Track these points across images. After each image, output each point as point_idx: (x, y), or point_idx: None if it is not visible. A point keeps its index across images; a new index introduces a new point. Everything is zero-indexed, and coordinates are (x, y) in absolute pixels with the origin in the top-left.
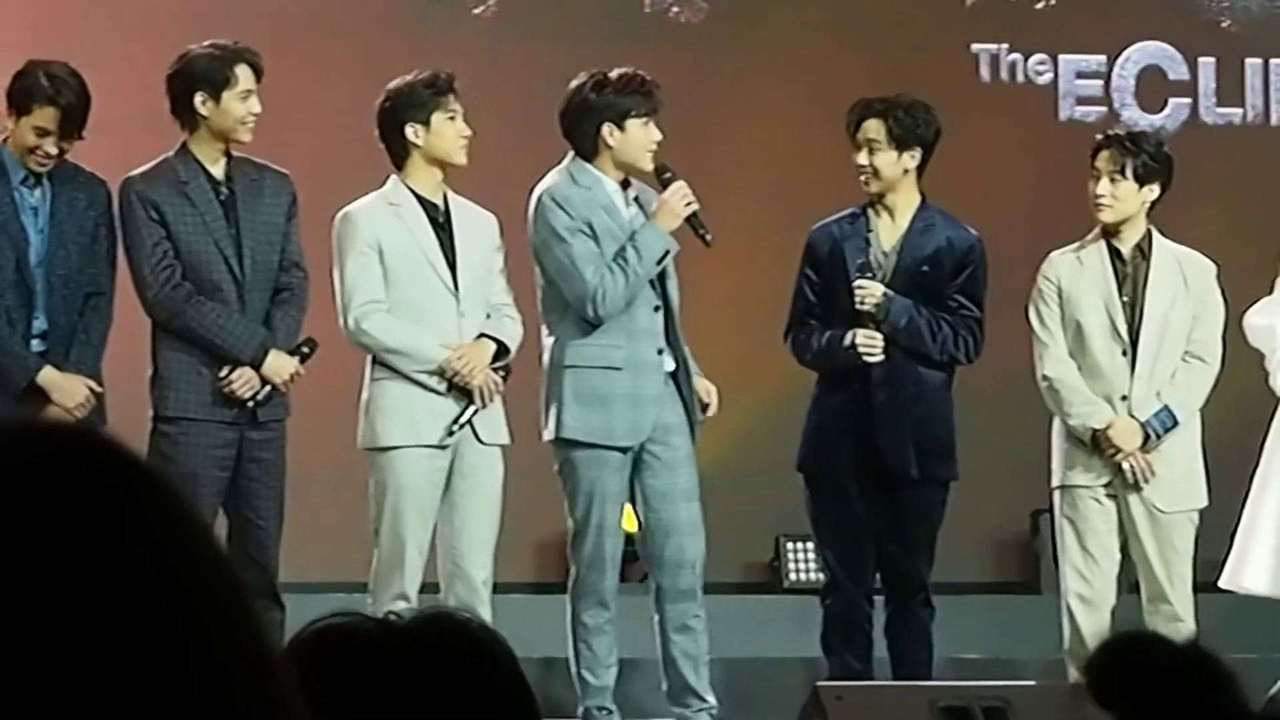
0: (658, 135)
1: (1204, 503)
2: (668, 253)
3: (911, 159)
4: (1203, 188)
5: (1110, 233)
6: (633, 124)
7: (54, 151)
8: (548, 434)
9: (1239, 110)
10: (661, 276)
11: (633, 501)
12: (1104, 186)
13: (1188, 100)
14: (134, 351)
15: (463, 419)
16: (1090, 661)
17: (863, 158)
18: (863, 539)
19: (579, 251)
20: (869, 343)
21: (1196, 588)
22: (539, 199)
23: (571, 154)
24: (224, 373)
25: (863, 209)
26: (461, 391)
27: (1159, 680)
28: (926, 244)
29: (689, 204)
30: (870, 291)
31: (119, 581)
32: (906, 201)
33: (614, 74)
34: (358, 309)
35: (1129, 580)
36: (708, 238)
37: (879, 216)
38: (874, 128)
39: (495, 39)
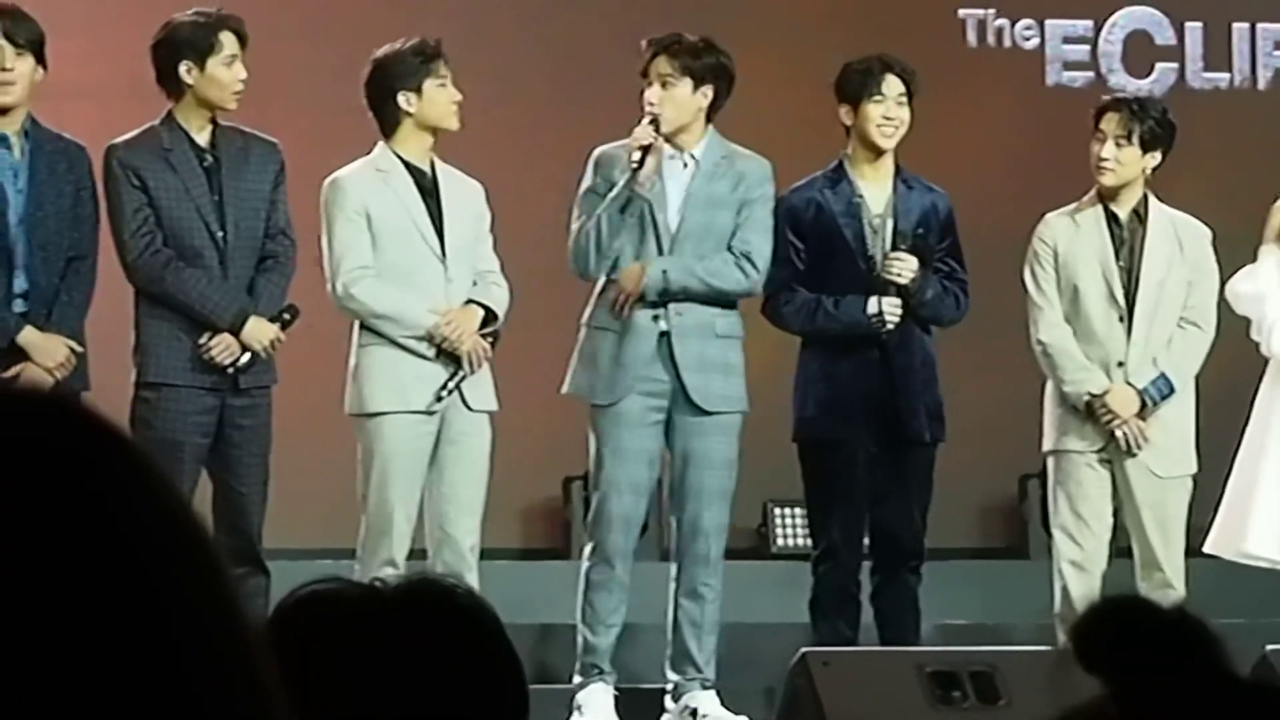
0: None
1: (1195, 468)
2: (630, 200)
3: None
4: (1189, 153)
5: (1107, 197)
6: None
7: (11, 65)
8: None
9: (1226, 75)
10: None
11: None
12: (1109, 150)
13: (1175, 65)
14: (120, 318)
15: (451, 385)
16: (1076, 626)
17: (892, 110)
18: (862, 507)
19: (578, 209)
20: (895, 310)
21: (1185, 553)
22: (591, 157)
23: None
24: (204, 339)
25: (839, 168)
26: (449, 357)
27: (1146, 645)
28: (914, 206)
29: (638, 144)
30: (908, 265)
31: (91, 549)
32: (887, 163)
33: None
34: (346, 274)
35: (1118, 546)
36: (655, 139)
37: (863, 179)
38: (898, 83)
39: (483, 5)
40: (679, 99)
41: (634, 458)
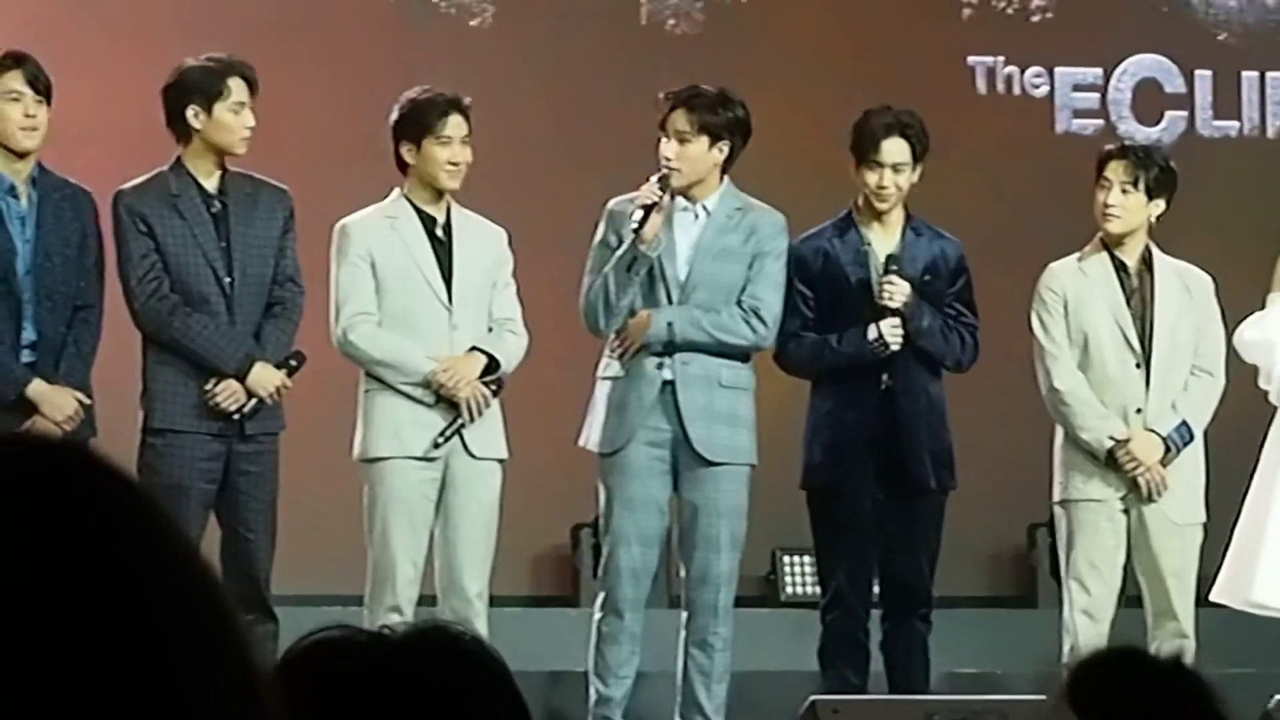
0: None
1: (1205, 516)
2: (635, 259)
3: (918, 174)
4: (1198, 201)
5: (1112, 244)
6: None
7: (35, 112)
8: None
9: (1235, 123)
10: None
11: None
12: (1115, 197)
13: (1184, 113)
14: (128, 363)
15: (449, 432)
16: (1072, 674)
17: (887, 178)
18: (870, 554)
19: (590, 264)
20: (895, 331)
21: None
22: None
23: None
24: (209, 385)
25: (847, 218)
26: (450, 404)
27: (1141, 695)
28: (922, 253)
29: (646, 199)
30: (900, 288)
31: (102, 597)
32: (898, 214)
33: None
34: (346, 320)
35: (1127, 595)
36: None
37: (869, 228)
38: (900, 149)
39: (493, 50)
40: (694, 155)
41: (642, 507)
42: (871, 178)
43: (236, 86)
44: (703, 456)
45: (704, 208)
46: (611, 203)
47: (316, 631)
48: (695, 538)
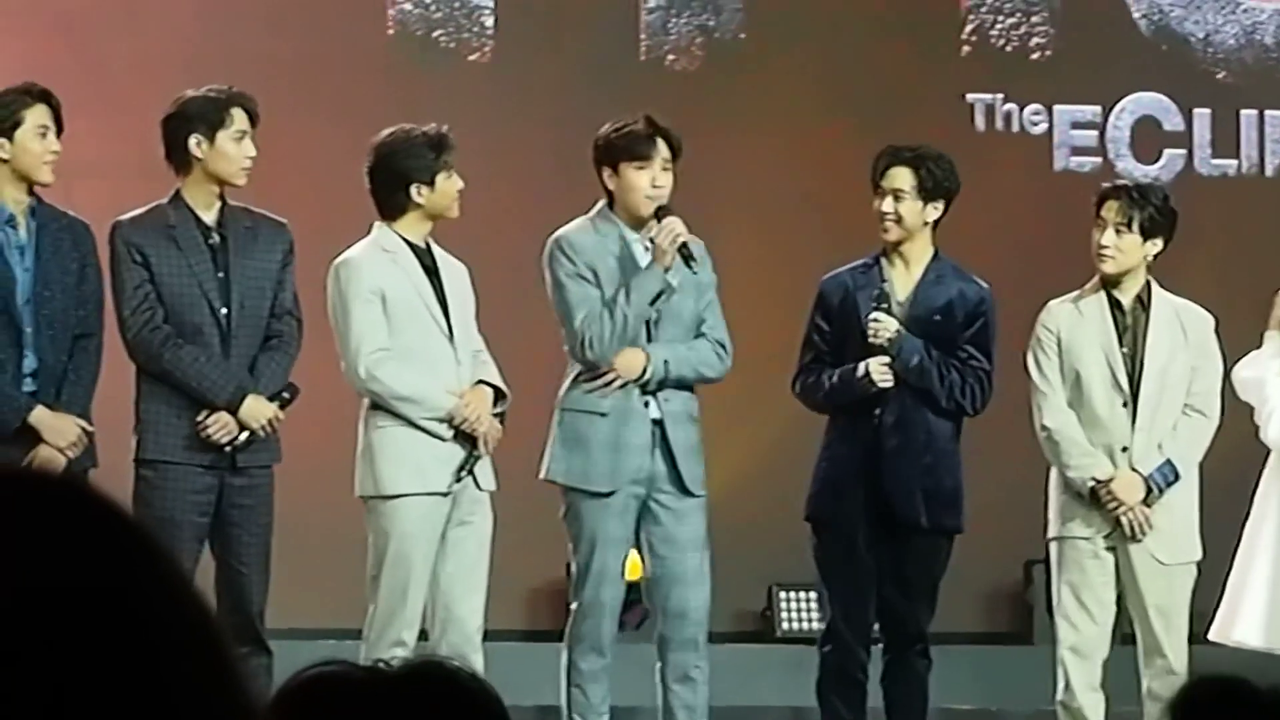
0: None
1: (1199, 554)
2: (661, 292)
3: (934, 210)
4: (1197, 239)
5: (1110, 283)
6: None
7: (57, 147)
8: (540, 475)
9: (1234, 162)
10: (653, 327)
11: (639, 548)
12: (1109, 237)
13: (1183, 151)
14: (126, 395)
15: (469, 465)
16: (1175, 703)
17: (887, 205)
18: (866, 588)
19: (574, 296)
20: (883, 370)
21: (1189, 640)
22: (549, 244)
23: (602, 202)
24: (201, 417)
25: (875, 259)
26: (464, 438)
27: None
28: (939, 294)
29: (676, 237)
30: (885, 325)
31: (96, 630)
32: (921, 252)
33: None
34: (368, 357)
35: (1122, 632)
36: (694, 266)
37: (892, 266)
38: (902, 176)
39: (491, 86)
40: (670, 184)
41: (616, 545)
42: (876, 204)
43: (239, 116)
44: (689, 492)
45: (651, 240)
46: (563, 236)
47: (312, 666)
48: (671, 574)
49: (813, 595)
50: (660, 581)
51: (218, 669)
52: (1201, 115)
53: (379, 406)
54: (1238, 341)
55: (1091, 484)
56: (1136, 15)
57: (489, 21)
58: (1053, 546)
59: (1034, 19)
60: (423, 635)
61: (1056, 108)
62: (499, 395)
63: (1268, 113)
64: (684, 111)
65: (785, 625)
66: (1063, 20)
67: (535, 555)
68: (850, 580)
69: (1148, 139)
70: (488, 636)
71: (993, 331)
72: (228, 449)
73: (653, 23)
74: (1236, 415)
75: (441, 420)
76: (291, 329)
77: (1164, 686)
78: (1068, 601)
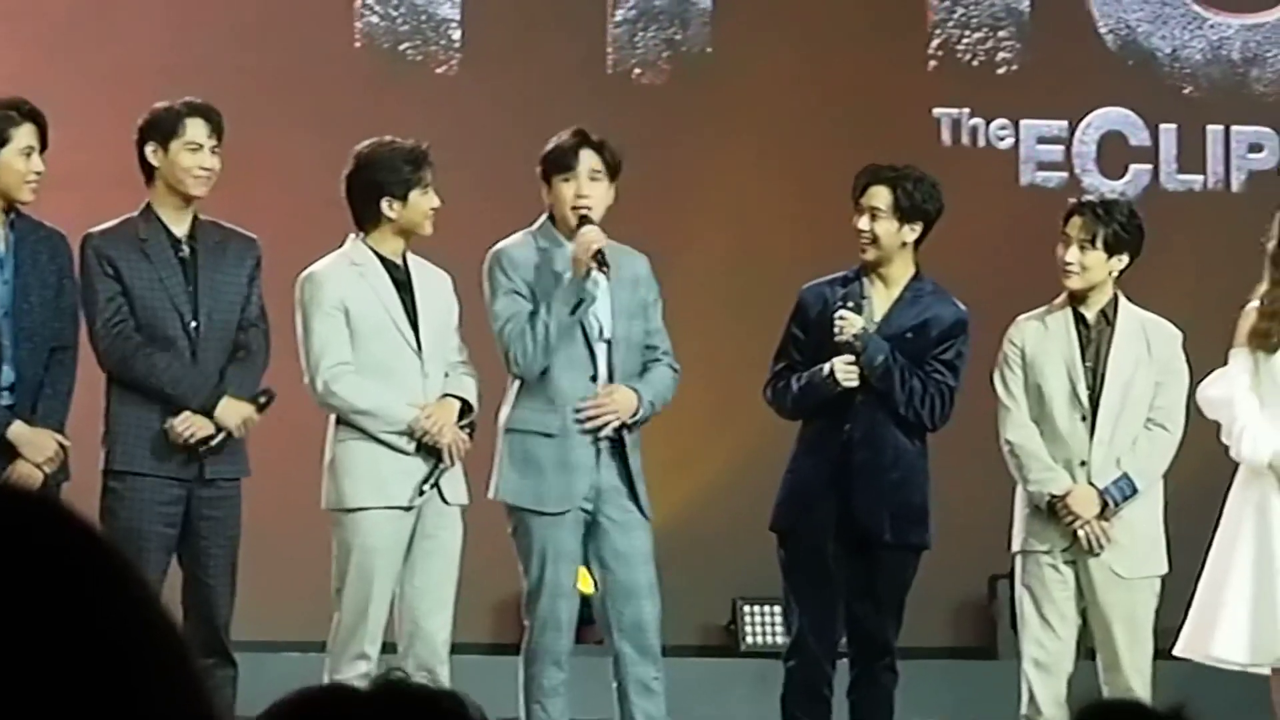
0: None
1: (1165, 569)
2: (581, 302)
3: (912, 232)
4: (1163, 254)
5: (1076, 298)
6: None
7: (42, 169)
8: (489, 494)
9: (1200, 177)
10: (608, 349)
11: (587, 564)
12: (1073, 254)
13: (1149, 166)
14: (96, 406)
15: (433, 479)
16: None
17: (864, 223)
18: (833, 601)
19: (502, 311)
20: (847, 368)
21: (1154, 655)
22: (488, 257)
23: (544, 216)
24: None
25: (856, 274)
26: (428, 451)
27: None
28: (913, 314)
29: (590, 245)
30: (850, 322)
31: (62, 644)
32: (901, 272)
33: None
34: (327, 371)
35: (1087, 646)
36: (607, 272)
37: (872, 284)
38: (880, 195)
39: (459, 98)
40: (604, 194)
41: (568, 559)
42: (855, 221)
43: (194, 126)
44: (642, 512)
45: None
46: (500, 251)
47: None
48: (623, 587)
49: (777, 609)
50: (615, 595)
51: (184, 685)
52: (1168, 130)
53: (344, 420)
54: (1203, 357)
55: (1049, 498)
56: (1103, 30)
57: (456, 35)
58: (1016, 561)
59: (1001, 34)
60: (391, 648)
61: (1023, 122)
62: (466, 408)
63: (1234, 128)
64: (651, 125)
65: (750, 639)
66: (1029, 35)
67: (500, 568)
68: (816, 594)
69: (1114, 154)
70: (453, 650)
71: (965, 354)
72: (201, 449)
73: (620, 36)
74: (1203, 430)
75: (402, 433)
76: (259, 339)
77: (1175, 703)
78: (1030, 616)
